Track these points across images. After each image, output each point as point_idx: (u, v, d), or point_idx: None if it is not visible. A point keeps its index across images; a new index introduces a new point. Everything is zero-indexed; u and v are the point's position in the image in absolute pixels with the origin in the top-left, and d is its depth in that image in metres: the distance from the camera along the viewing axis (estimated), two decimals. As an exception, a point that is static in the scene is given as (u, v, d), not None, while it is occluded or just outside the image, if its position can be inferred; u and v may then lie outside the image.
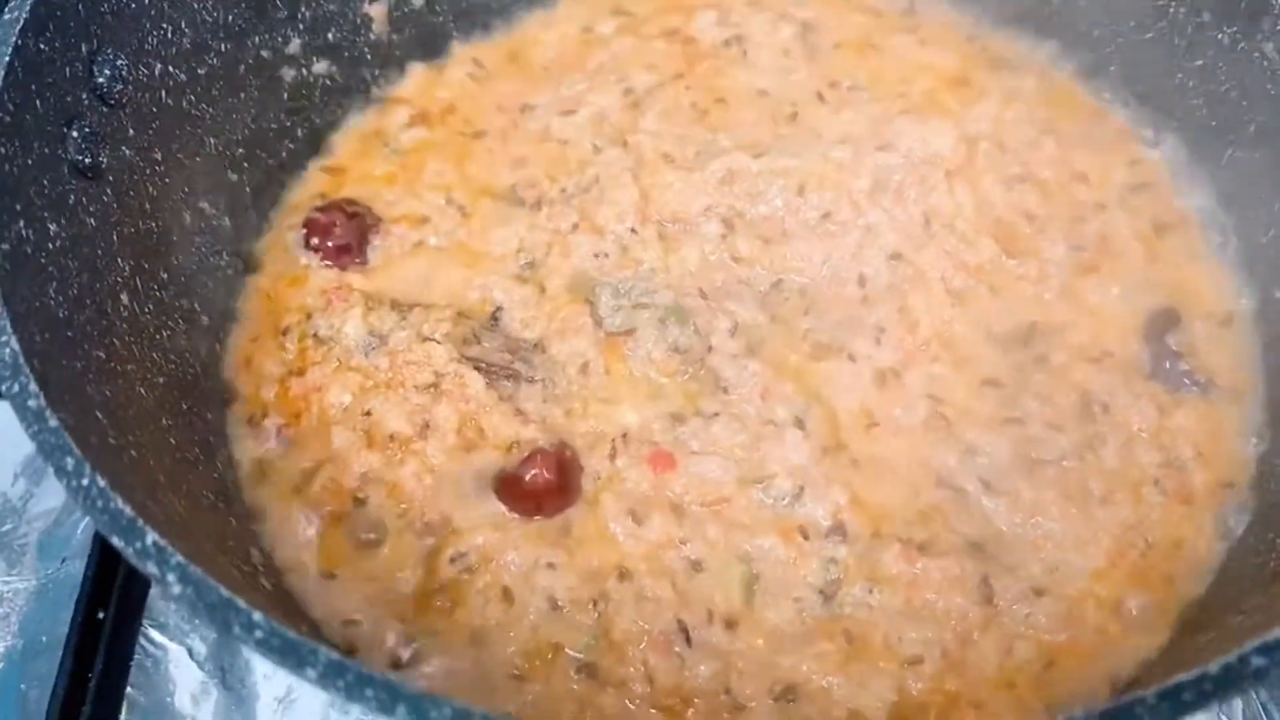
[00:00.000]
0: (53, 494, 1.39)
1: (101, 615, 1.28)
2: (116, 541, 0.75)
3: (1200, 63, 1.35)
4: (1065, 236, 1.35)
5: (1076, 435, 1.19)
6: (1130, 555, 1.14)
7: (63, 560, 1.36)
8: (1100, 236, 1.36)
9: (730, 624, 1.10)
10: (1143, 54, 1.41)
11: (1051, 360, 1.25)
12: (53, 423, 0.80)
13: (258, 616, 0.72)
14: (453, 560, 1.14)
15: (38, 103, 1.03)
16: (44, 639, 1.29)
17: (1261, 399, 1.24)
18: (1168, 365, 1.26)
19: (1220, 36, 1.31)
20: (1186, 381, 1.25)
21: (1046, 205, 1.38)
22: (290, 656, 0.71)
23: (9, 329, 0.85)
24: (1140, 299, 1.31)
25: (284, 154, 1.42)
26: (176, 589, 0.74)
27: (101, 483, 0.78)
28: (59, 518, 1.39)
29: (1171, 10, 1.36)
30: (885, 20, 1.58)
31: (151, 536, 0.75)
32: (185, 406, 1.15)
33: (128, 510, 0.76)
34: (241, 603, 0.73)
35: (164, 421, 1.09)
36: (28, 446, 1.38)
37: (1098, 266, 1.33)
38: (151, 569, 0.74)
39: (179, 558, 0.75)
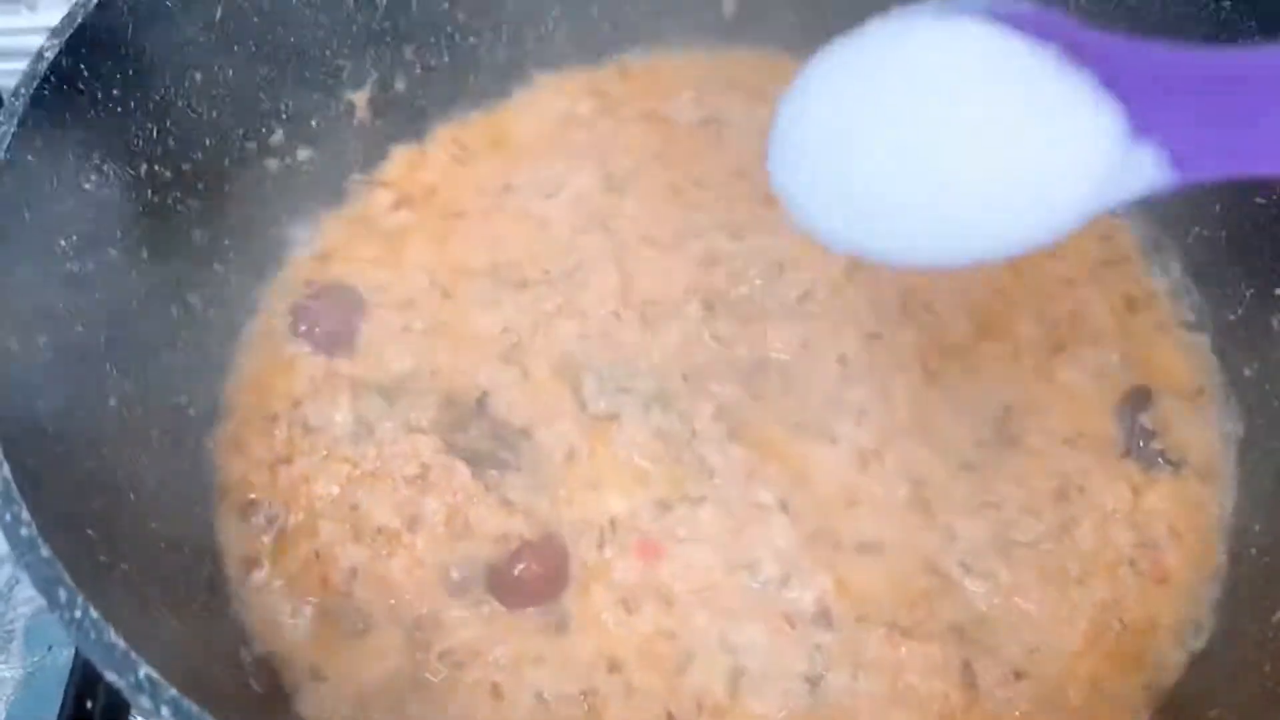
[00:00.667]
0: (40, 581, 1.39)
1: (90, 705, 1.28)
2: (111, 676, 0.76)
3: (1166, 144, 1.38)
4: (1038, 314, 1.38)
5: (1052, 518, 1.21)
6: (1107, 636, 1.16)
7: (49, 648, 1.36)
8: (1072, 313, 1.38)
9: (718, 715, 1.11)
10: (1110, 134, 1.44)
11: (1026, 442, 1.27)
12: (45, 553, 0.81)
13: (250, 751, 0.74)
14: (441, 656, 1.15)
15: (26, 215, 1.05)
16: (31, 730, 1.30)
17: (1233, 477, 1.26)
18: (1141, 444, 1.28)
19: (1184, 117, 1.34)
20: (1160, 460, 1.27)
21: (1018, 282, 1.40)
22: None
23: (0, 454, 0.86)
24: (1113, 377, 1.33)
25: (270, 241, 1.44)
26: (170, 723, 0.75)
27: (94, 614, 0.79)
28: (45, 605, 1.39)
29: (1138, 92, 1.39)
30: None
31: (144, 670, 0.76)
32: (173, 508, 1.16)
33: (120, 643, 0.77)
34: (234, 736, 0.74)
35: (152, 525, 1.10)
36: (14, 533, 1.44)
37: (1070, 344, 1.35)
38: (145, 704, 0.75)
39: (172, 691, 0.76)
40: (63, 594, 0.80)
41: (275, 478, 1.28)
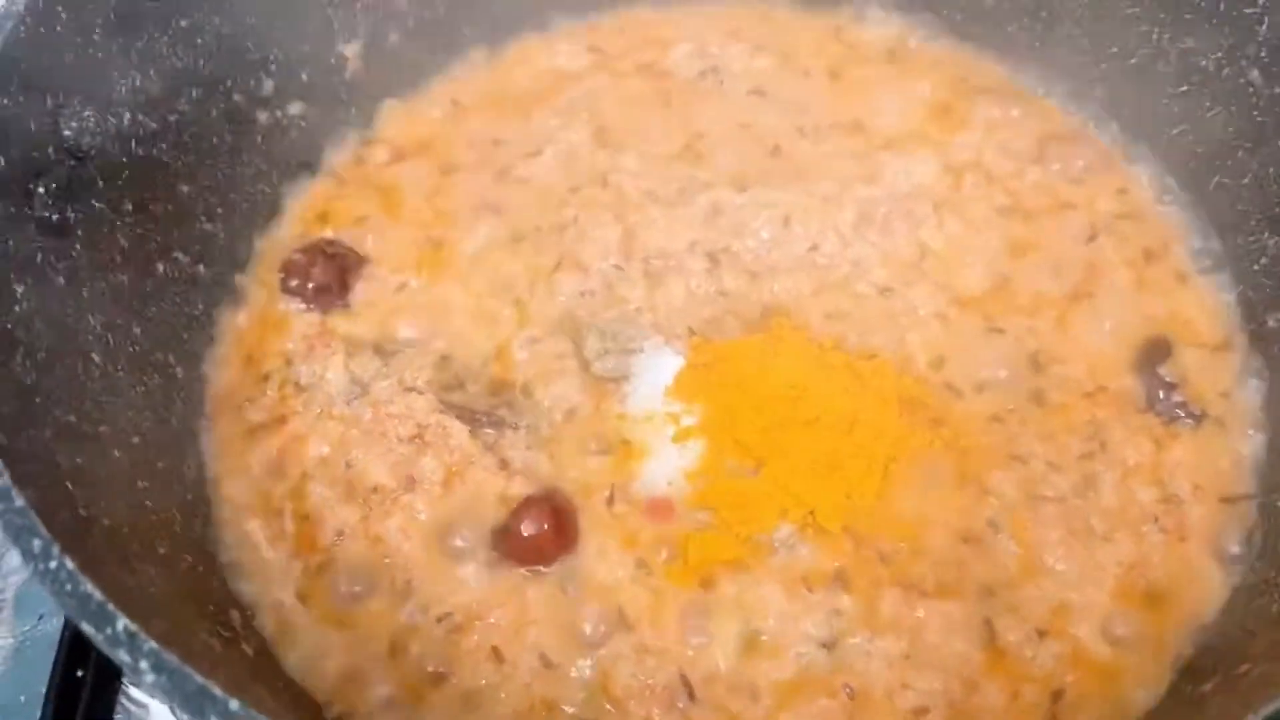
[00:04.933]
0: (28, 550, 1.36)
1: (80, 673, 1.24)
2: (86, 628, 0.72)
3: (1185, 89, 1.34)
4: (1055, 267, 1.33)
5: (1076, 474, 1.17)
6: (1133, 595, 1.12)
7: (40, 617, 1.32)
8: (1089, 265, 1.34)
9: (733, 679, 1.08)
10: (1127, 81, 1.40)
11: (1050, 396, 1.23)
12: (18, 502, 0.77)
13: (234, 705, 0.70)
14: (439, 620, 1.11)
15: (2, 161, 1.00)
16: (22, 698, 1.25)
17: (1257, 430, 1.22)
18: (1161, 396, 1.24)
19: (1205, 63, 1.30)
20: (1180, 413, 1.23)
21: (1035, 235, 1.36)
22: (271, 747, 0.68)
23: (-27, 402, 0.82)
24: (1132, 329, 1.29)
25: (260, 197, 1.39)
26: (150, 677, 0.71)
27: (70, 564, 0.75)
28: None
29: (1155, 36, 1.35)
30: (863, 50, 1.56)
31: (122, 622, 0.72)
32: (161, 466, 1.12)
33: (97, 594, 0.73)
34: (217, 691, 0.70)
35: (139, 484, 1.06)
36: (1, 501, 1.41)
37: (1088, 296, 1.31)
38: (123, 656, 0.71)
39: (151, 643, 0.72)
40: (37, 544, 0.76)
41: (266, 437, 1.24)
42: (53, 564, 0.75)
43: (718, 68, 1.53)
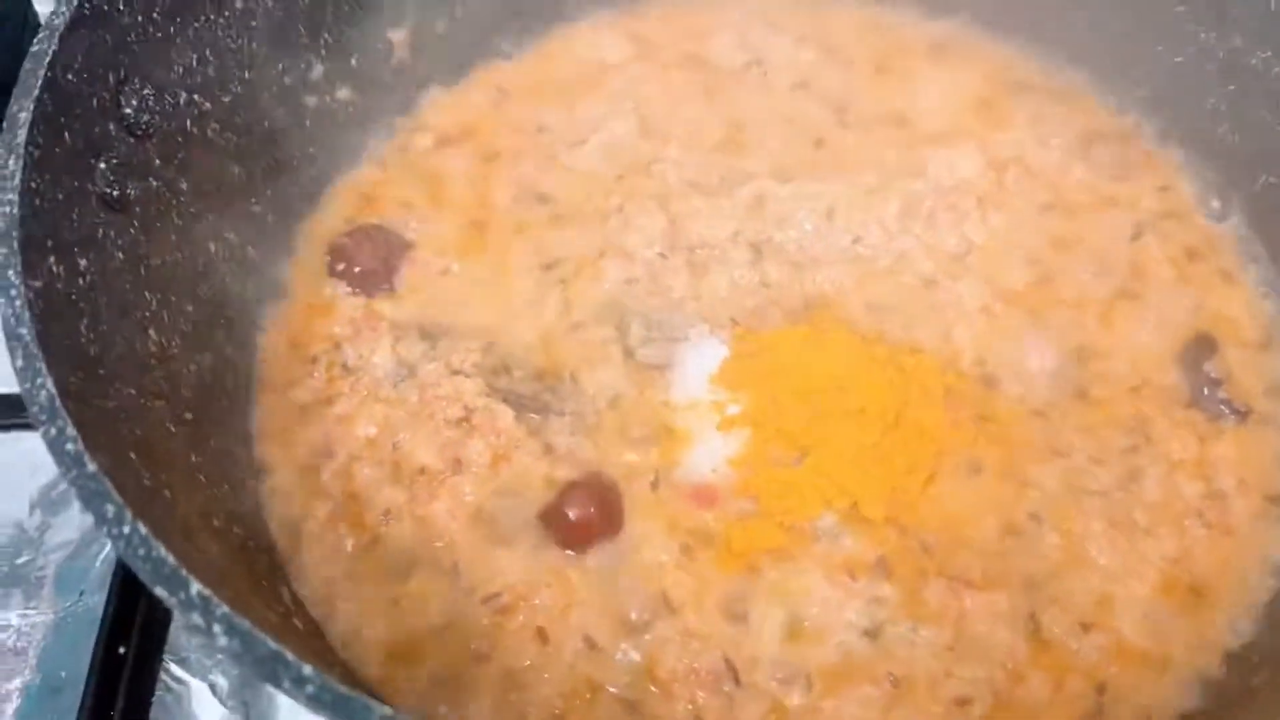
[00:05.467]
0: (70, 525, 1.37)
1: (122, 650, 1.25)
2: (161, 592, 0.73)
3: (1232, 87, 1.34)
4: (1098, 263, 1.34)
5: (1119, 467, 1.18)
6: (1177, 588, 1.12)
7: (81, 593, 1.33)
8: (1132, 263, 1.34)
9: (776, 665, 1.08)
10: (1173, 78, 1.40)
11: (1092, 391, 1.23)
12: (91, 468, 0.78)
13: (308, 670, 0.70)
14: (486, 600, 1.12)
15: (66, 135, 1.01)
16: (63, 674, 1.27)
17: (1303, 427, 1.22)
18: (1206, 392, 1.24)
19: (1254, 61, 1.30)
20: (1225, 409, 1.23)
21: (1078, 231, 1.37)
22: (342, 713, 0.69)
23: (45, 370, 0.83)
24: (1176, 326, 1.29)
25: (308, 181, 1.40)
26: (223, 640, 0.72)
27: (143, 530, 0.76)
28: (77, 549, 1.36)
29: (1203, 35, 1.35)
30: (907, 43, 1.57)
31: (196, 586, 0.73)
32: (213, 443, 1.13)
33: (170, 559, 0.74)
34: (290, 656, 0.71)
35: (194, 459, 1.07)
36: (44, 477, 1.41)
37: (1132, 293, 1.32)
38: (197, 620, 0.72)
39: (224, 608, 0.73)
40: (110, 509, 0.77)
41: (314, 418, 1.25)
42: (126, 528, 0.76)
43: (761, 59, 1.54)
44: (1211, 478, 1.19)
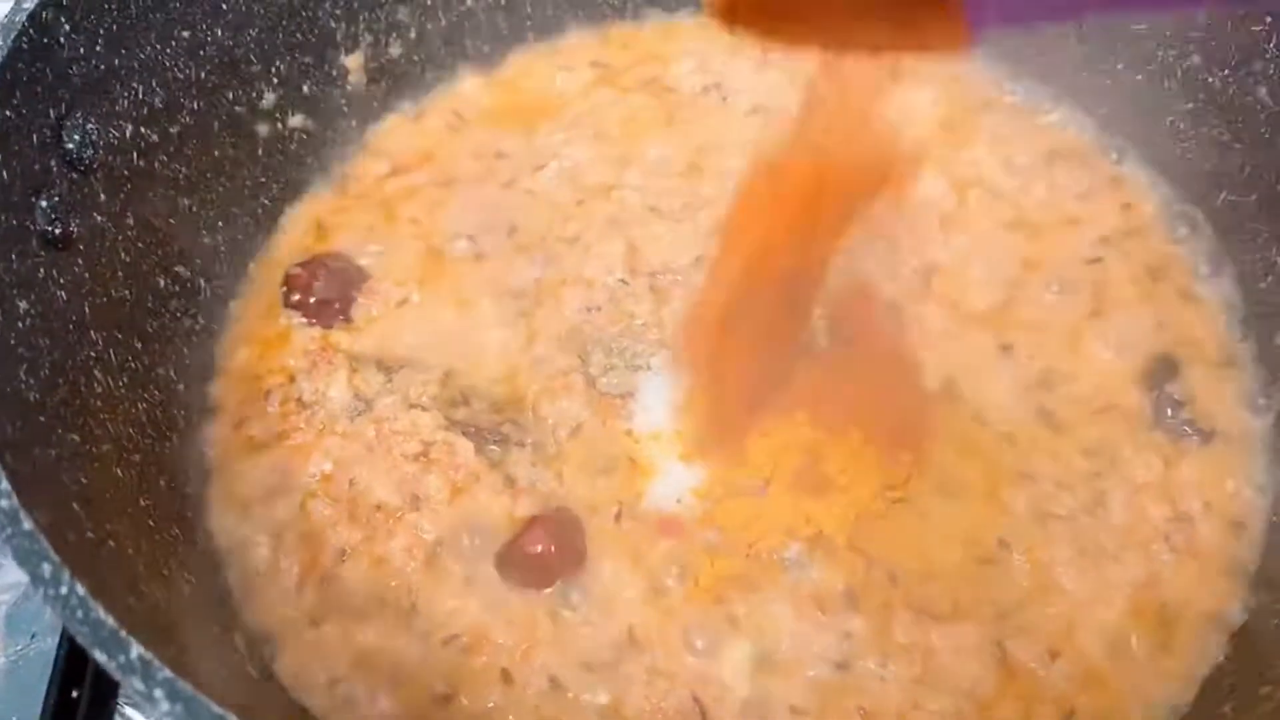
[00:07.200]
0: (21, 568, 1.33)
1: (75, 694, 1.22)
2: (99, 655, 0.70)
3: (1191, 106, 1.34)
4: (1061, 283, 1.33)
5: (1085, 492, 1.17)
6: (1145, 614, 1.11)
7: (32, 636, 1.29)
8: (1095, 282, 1.34)
9: (746, 701, 1.06)
10: (1132, 97, 1.40)
11: (1058, 414, 1.23)
12: (27, 525, 0.75)
13: (254, 735, 0.68)
14: (446, 642, 1.09)
15: (3, 174, 0.98)
16: (15, 719, 1.23)
17: (1266, 448, 1.22)
18: (1169, 414, 1.24)
19: (1211, 80, 1.30)
20: (1188, 430, 1.23)
21: (1041, 252, 1.36)
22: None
23: (-22, 421, 0.80)
24: (1139, 346, 1.28)
25: (261, 211, 1.38)
26: (165, 705, 0.69)
27: (81, 590, 0.73)
28: (27, 591, 1.32)
29: (1160, 54, 1.35)
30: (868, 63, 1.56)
31: (136, 650, 0.71)
32: (163, 483, 1.10)
33: (110, 620, 0.72)
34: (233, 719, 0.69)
35: (142, 502, 1.04)
36: (-7, 518, 1.38)
37: (1096, 313, 1.31)
38: (137, 685, 0.69)
39: (165, 672, 0.70)
40: (47, 569, 0.74)
41: (267, 454, 1.22)
42: (63, 589, 0.73)
43: (720, 84, 1.53)
44: (1177, 500, 1.18)
